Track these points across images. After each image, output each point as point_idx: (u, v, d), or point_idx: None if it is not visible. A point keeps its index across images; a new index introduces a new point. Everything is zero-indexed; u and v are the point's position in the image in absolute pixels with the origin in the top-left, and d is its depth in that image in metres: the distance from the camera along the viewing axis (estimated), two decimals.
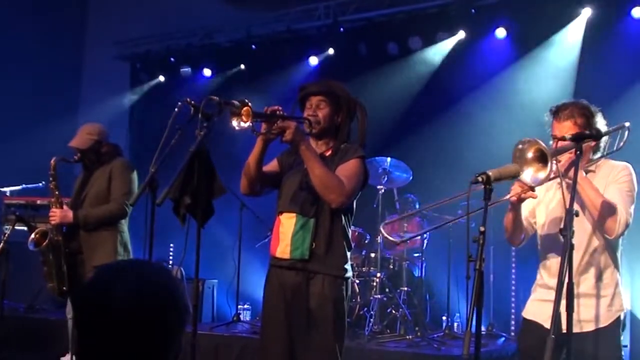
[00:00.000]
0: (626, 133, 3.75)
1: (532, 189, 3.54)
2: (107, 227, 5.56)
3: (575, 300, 3.42)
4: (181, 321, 1.84)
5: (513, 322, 8.12)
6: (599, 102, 3.80)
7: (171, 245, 9.76)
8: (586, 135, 3.43)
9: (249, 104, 3.70)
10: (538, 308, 3.77)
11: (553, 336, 3.07)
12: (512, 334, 7.92)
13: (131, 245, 5.73)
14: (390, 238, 4.29)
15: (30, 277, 7.67)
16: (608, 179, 3.67)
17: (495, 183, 3.29)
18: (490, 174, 3.27)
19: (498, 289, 8.15)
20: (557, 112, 3.74)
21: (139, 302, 1.76)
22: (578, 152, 3.33)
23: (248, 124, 3.70)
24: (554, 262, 3.71)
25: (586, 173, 3.67)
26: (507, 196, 3.65)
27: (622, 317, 3.69)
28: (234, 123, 3.71)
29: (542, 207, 3.87)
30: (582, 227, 3.60)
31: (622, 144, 3.75)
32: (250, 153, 4.00)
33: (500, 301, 8.15)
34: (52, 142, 6.61)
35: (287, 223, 4.01)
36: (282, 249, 4.00)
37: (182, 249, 3.85)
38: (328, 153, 4.09)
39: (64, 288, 5.55)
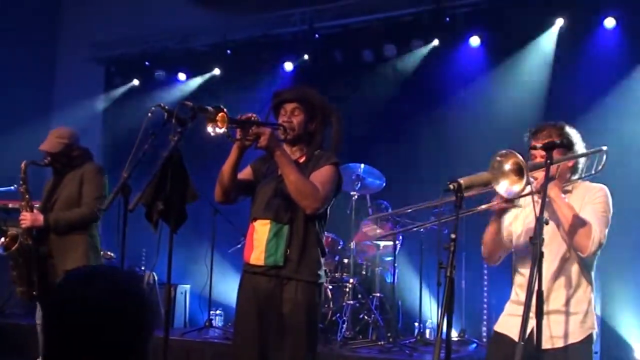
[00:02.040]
0: (604, 157, 3.73)
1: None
2: (77, 231, 5.50)
3: (548, 317, 3.47)
4: (149, 327, 1.85)
5: (485, 329, 8.16)
6: (571, 112, 3.87)
7: (143, 250, 9.71)
8: (557, 145, 3.43)
9: (224, 109, 3.70)
10: (509, 322, 3.75)
11: (522, 343, 3.08)
12: (484, 340, 7.95)
13: (103, 250, 5.69)
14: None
15: (0, 282, 7.60)
16: (584, 200, 3.68)
17: (467, 191, 3.32)
18: (462, 182, 3.30)
19: (470, 296, 8.19)
20: (536, 132, 3.75)
21: (108, 307, 1.76)
22: (548, 160, 3.34)
23: (223, 129, 3.69)
24: (526, 278, 3.70)
25: (564, 193, 3.68)
26: (490, 204, 3.66)
27: (594, 336, 3.69)
28: (209, 129, 3.70)
29: (518, 224, 3.86)
30: (556, 245, 3.63)
31: (600, 167, 3.73)
32: (225, 160, 4.00)
33: (472, 307, 8.20)
34: (25, 145, 6.54)
35: (261, 230, 4.02)
36: (257, 255, 4.00)
37: (155, 254, 3.85)
38: (302, 159, 4.11)
39: (34, 292, 5.49)
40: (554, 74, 8.39)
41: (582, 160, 3.76)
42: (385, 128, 9.32)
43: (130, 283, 1.85)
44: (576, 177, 3.79)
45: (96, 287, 1.78)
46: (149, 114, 3.73)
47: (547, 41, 8.53)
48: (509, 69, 8.71)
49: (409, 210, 4.08)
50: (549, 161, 3.35)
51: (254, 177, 4.21)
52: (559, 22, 8.41)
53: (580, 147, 3.75)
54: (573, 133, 3.75)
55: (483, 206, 3.71)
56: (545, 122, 3.83)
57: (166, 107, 3.75)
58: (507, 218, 3.86)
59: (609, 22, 8.10)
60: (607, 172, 3.80)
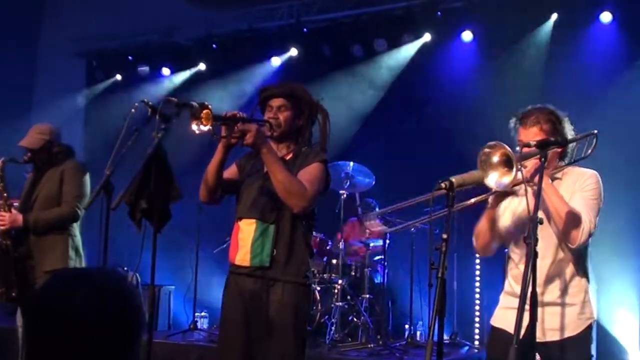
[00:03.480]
0: (594, 140, 3.71)
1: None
2: (58, 230, 5.41)
3: (543, 309, 3.45)
4: (137, 330, 1.79)
5: (477, 331, 8.19)
6: (566, 107, 3.80)
7: (126, 250, 9.58)
8: (551, 142, 3.41)
9: (209, 106, 3.66)
10: (505, 315, 3.71)
11: (515, 346, 3.01)
12: (476, 342, 8.00)
13: (85, 250, 5.60)
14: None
15: None
16: (574, 187, 3.64)
17: (458, 189, 3.28)
18: (453, 180, 3.27)
19: (462, 297, 8.21)
20: (523, 118, 3.70)
21: (92, 311, 1.70)
22: (543, 159, 3.31)
23: (208, 127, 3.66)
24: (521, 269, 3.64)
25: (552, 180, 3.65)
26: (484, 196, 3.62)
27: (593, 325, 3.66)
28: (194, 127, 3.67)
29: (507, 214, 3.80)
30: (548, 235, 3.57)
31: (590, 151, 3.71)
32: (211, 159, 3.96)
33: (464, 309, 8.22)
34: (5, 142, 6.41)
35: (247, 229, 3.98)
36: (242, 256, 3.96)
37: (138, 254, 3.83)
38: (289, 156, 4.08)
39: (13, 294, 5.38)
40: (549, 69, 8.37)
41: (571, 145, 3.71)
42: (375, 125, 9.35)
43: (115, 285, 1.79)
44: (566, 162, 3.75)
45: (80, 291, 1.72)
46: (132, 110, 3.77)
47: (542, 36, 8.52)
48: (502, 64, 8.66)
49: (398, 207, 4.02)
50: (543, 159, 3.31)
51: (240, 175, 4.17)
52: (554, 16, 8.41)
53: (569, 130, 3.70)
54: (562, 117, 3.69)
55: (472, 200, 3.66)
56: (532, 106, 3.75)
57: (150, 103, 3.74)
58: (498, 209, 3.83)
59: (605, 17, 8.09)
60: (600, 167, 3.74)
